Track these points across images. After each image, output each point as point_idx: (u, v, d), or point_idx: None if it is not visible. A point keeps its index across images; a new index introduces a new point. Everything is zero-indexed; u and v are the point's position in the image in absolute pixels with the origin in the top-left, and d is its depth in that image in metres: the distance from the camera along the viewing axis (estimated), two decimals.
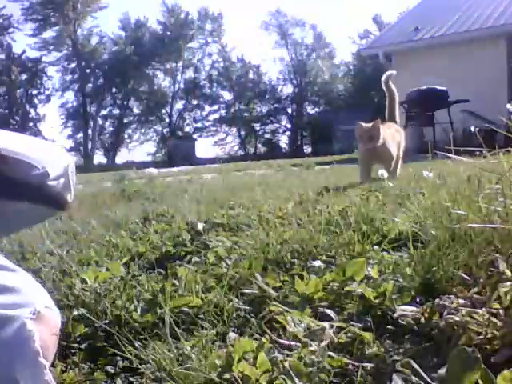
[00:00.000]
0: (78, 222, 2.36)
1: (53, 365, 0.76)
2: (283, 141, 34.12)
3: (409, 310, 0.85)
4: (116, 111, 35.51)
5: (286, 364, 0.68)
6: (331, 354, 0.72)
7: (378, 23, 33.20)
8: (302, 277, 1.02)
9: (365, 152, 3.35)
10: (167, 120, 35.02)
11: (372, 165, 3.46)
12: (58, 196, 1.42)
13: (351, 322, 0.83)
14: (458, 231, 1.01)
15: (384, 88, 3.75)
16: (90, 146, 33.81)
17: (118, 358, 0.85)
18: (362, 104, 26.90)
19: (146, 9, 72.45)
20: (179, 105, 35.51)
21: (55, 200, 1.34)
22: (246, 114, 33.93)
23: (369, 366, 0.69)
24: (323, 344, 0.73)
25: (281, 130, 34.30)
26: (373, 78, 27.52)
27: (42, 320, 0.65)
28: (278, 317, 0.84)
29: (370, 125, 3.27)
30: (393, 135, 3.46)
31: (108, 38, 35.31)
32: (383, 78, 3.78)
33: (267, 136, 34.35)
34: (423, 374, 0.60)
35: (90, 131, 34.00)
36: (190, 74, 35.69)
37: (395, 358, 0.71)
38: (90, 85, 34.21)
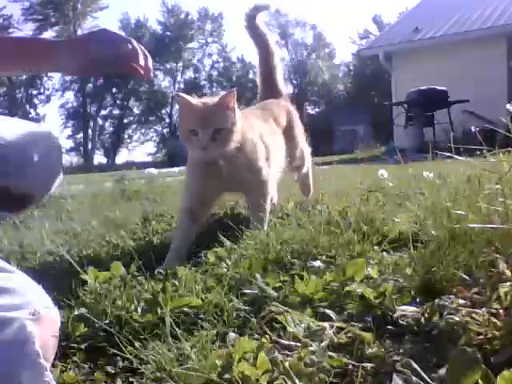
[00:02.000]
0: (77, 221, 2.35)
1: (53, 365, 0.76)
2: None
3: (409, 310, 0.85)
4: (116, 111, 35.53)
5: (286, 364, 0.68)
6: (331, 354, 0.72)
7: (377, 23, 33.21)
8: (302, 277, 1.02)
9: (198, 166, 1.57)
10: (167, 120, 35.01)
11: (215, 197, 1.66)
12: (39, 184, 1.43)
13: (351, 322, 0.83)
14: (458, 231, 1.01)
15: (250, 35, 2.03)
16: (90, 146, 33.82)
17: (118, 358, 0.85)
18: (361, 104, 26.88)
19: (146, 9, 72.54)
20: None
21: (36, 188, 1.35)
22: None
23: (369, 366, 0.69)
24: (323, 344, 0.73)
25: None
26: (373, 78, 27.53)
27: (42, 321, 0.65)
28: (278, 317, 0.84)
29: (208, 102, 1.47)
30: (272, 129, 1.76)
31: None
32: (247, 20, 2.01)
33: None
34: (423, 374, 0.60)
35: (90, 131, 34.02)
36: (190, 74, 35.74)
37: (395, 358, 0.71)
38: (90, 85, 34.21)
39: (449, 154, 1.13)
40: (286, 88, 2.05)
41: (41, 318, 0.65)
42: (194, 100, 1.49)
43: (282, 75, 2.08)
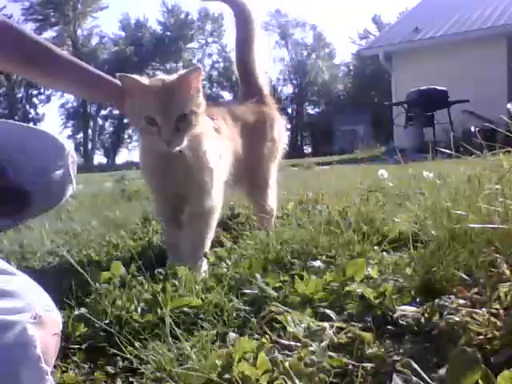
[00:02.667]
0: (77, 221, 2.35)
1: (54, 366, 0.76)
2: None
3: (409, 310, 0.85)
4: (116, 111, 35.51)
5: (286, 364, 0.68)
6: (331, 354, 0.72)
7: (377, 23, 33.21)
8: (302, 277, 1.02)
9: (157, 160, 1.29)
10: None
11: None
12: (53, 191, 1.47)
13: (351, 322, 0.83)
14: (458, 231, 1.01)
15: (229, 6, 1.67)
16: (90, 146, 33.83)
17: (118, 358, 0.85)
18: (362, 104, 26.88)
19: (146, 9, 72.67)
20: None
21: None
22: None
23: (369, 366, 0.69)
24: (323, 344, 0.73)
25: None
26: (373, 78, 27.51)
27: (43, 324, 0.65)
28: (278, 317, 0.84)
29: (166, 81, 1.21)
30: (233, 128, 1.50)
31: (108, 39, 35.36)
32: None
33: None
34: (423, 374, 0.60)
35: (90, 131, 34.02)
36: None
37: (395, 358, 0.71)
38: None
39: (449, 152, 1.13)
40: (267, 86, 1.68)
41: (42, 320, 0.65)
42: (146, 81, 1.22)
43: (263, 68, 1.70)
